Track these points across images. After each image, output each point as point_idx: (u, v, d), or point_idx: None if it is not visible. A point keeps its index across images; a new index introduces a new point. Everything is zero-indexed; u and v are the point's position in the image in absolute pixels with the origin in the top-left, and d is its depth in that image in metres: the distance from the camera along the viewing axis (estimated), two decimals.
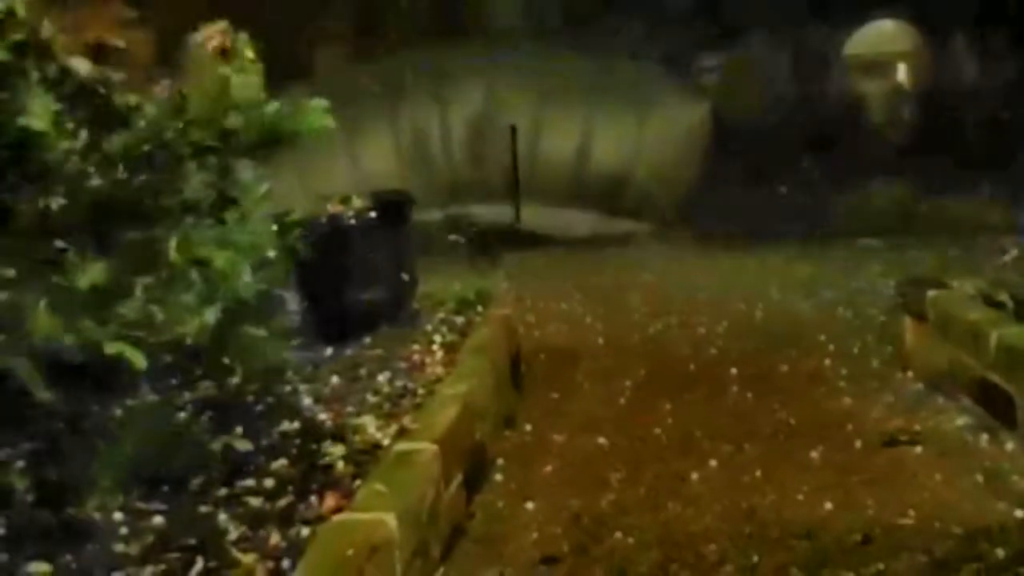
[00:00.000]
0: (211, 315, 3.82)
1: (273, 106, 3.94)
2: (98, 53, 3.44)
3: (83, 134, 3.21)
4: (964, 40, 13.43)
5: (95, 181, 3.26)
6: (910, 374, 5.02)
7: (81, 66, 3.36)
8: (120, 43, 3.52)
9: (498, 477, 3.97)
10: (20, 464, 3.02)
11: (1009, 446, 3.96)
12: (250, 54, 4.04)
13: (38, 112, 3.09)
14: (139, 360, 2.99)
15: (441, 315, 5.07)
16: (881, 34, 13.80)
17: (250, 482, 3.14)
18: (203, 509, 2.98)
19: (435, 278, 6.04)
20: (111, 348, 2.92)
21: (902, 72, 14.09)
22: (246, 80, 3.92)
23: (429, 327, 4.85)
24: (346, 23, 13.91)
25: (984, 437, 4.09)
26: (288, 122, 4.03)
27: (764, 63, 14.08)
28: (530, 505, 3.70)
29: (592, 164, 10.67)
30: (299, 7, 12.82)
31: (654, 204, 10.70)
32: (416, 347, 4.51)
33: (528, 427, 4.55)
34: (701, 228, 9.96)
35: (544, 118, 10.62)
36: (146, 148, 3.47)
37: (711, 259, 8.76)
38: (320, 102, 4.04)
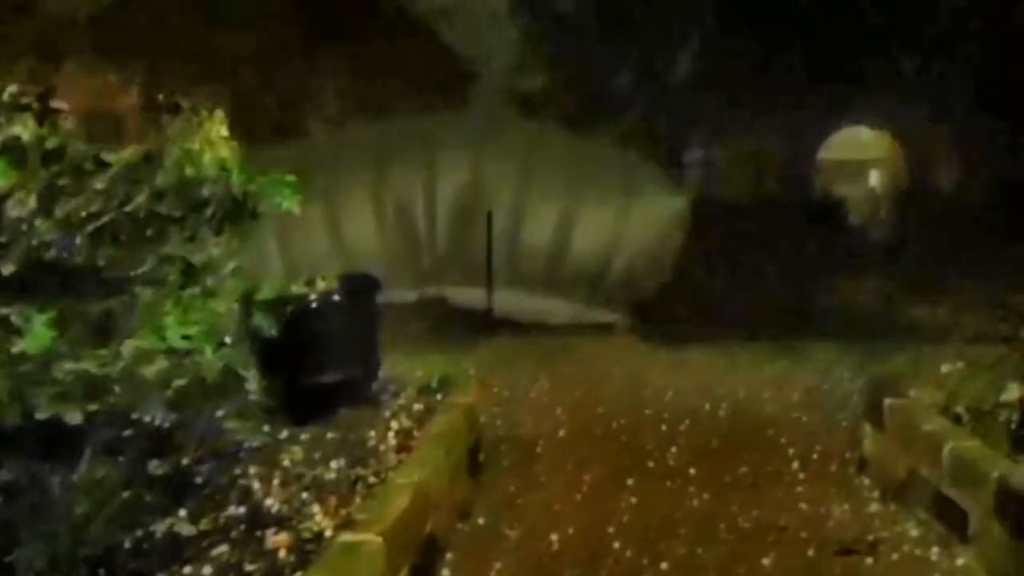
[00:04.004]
0: (169, 392, 3.81)
1: (241, 179, 3.98)
2: (44, 114, 3.48)
3: (33, 198, 3.23)
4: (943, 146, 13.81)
5: (50, 249, 3.27)
6: (867, 481, 5.02)
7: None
8: (63, 105, 3.56)
9: (447, 572, 3.91)
10: None
11: (960, 561, 3.95)
12: (224, 131, 4.11)
13: None
14: (75, 418, 2.97)
15: (402, 401, 5.05)
16: (856, 140, 14.18)
17: (188, 569, 3.08)
18: None
19: (402, 361, 6.04)
20: (45, 411, 2.89)
21: (875, 177, 14.47)
22: (218, 156, 3.98)
23: (388, 412, 4.82)
24: (336, 95, 14.16)
25: (936, 550, 4.08)
26: (256, 197, 4.07)
27: (749, 160, 14.41)
28: None
29: (570, 252, 10.75)
30: (292, 77, 13.06)
31: (630, 296, 10.76)
32: (373, 433, 4.48)
33: (482, 520, 4.51)
34: (675, 322, 10.01)
35: (524, 204, 10.72)
36: (107, 217, 3.48)
37: (681, 353, 8.79)
38: (289, 179, 4.08)
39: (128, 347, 3.56)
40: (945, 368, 4.91)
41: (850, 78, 13.01)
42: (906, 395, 5.04)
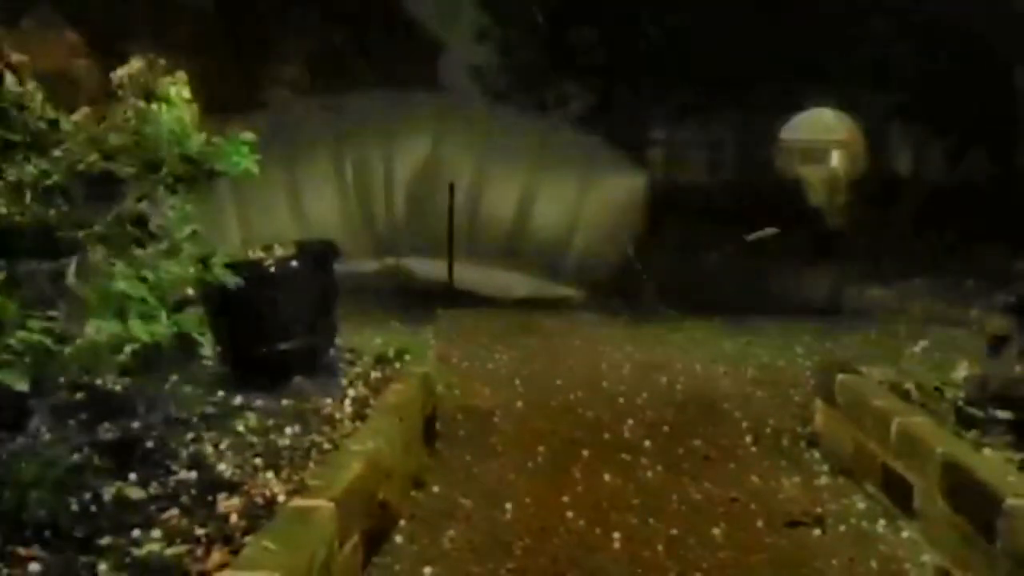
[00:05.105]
0: (122, 355, 3.76)
1: (199, 140, 3.91)
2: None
3: None
4: (900, 133, 14.02)
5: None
6: (817, 455, 5.10)
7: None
8: (23, 57, 3.48)
9: (399, 539, 3.92)
10: None
11: (905, 534, 4.03)
12: (185, 93, 4.03)
13: None
14: (21, 385, 2.93)
15: (358, 369, 5.02)
16: (818, 121, 14.31)
17: (138, 532, 3.05)
18: (84, 559, 2.88)
19: (360, 330, 6.02)
20: None
21: (836, 158, 14.61)
22: (174, 115, 3.90)
23: (345, 380, 4.79)
24: (300, 66, 13.98)
25: (882, 523, 4.16)
26: (213, 158, 4.00)
27: (710, 142, 14.50)
28: (428, 570, 3.65)
29: (531, 226, 10.75)
30: (255, 47, 12.89)
31: (589, 271, 10.80)
32: (328, 400, 4.45)
33: (436, 489, 4.51)
34: (634, 298, 10.07)
35: (486, 178, 10.69)
36: (56, 178, 3.42)
37: (640, 330, 8.85)
38: (247, 137, 4.01)
39: (80, 311, 3.51)
40: (913, 348, 5.01)
41: (811, 63, 13.14)
42: (857, 371, 5.12)
